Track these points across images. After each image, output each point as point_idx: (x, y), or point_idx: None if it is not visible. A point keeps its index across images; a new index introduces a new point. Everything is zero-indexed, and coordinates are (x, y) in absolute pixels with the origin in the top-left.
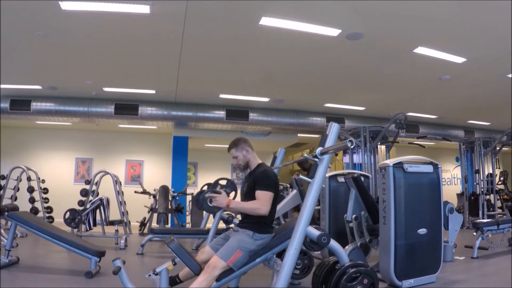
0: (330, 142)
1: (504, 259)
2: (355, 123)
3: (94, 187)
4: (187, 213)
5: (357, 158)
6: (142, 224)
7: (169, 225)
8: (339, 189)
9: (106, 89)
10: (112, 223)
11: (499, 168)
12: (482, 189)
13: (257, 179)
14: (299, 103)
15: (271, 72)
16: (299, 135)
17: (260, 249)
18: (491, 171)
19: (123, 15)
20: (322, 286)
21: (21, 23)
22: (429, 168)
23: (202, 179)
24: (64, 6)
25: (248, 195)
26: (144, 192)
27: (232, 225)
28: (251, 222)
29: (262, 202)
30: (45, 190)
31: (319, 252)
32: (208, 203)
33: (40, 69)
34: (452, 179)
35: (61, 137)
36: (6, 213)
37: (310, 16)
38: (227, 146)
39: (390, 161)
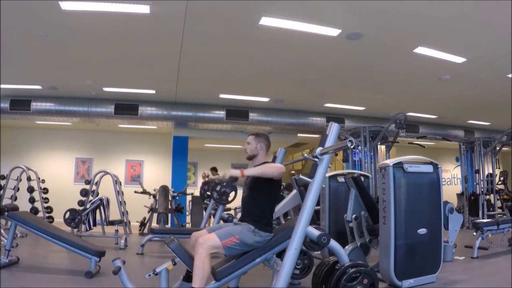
0: (330, 142)
1: (504, 259)
2: (355, 123)
3: (94, 187)
4: (187, 213)
5: (357, 158)
6: (142, 224)
7: (169, 225)
8: (339, 189)
9: (106, 89)
10: (112, 223)
11: (499, 168)
12: (482, 189)
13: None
14: (299, 103)
15: (271, 72)
16: (299, 135)
17: (260, 249)
18: (491, 171)
19: (123, 15)
20: (322, 286)
21: (21, 23)
22: (429, 168)
23: (201, 179)
24: (64, 6)
25: (254, 186)
26: (144, 192)
27: None
28: (252, 219)
29: (273, 164)
30: (45, 190)
31: (319, 252)
32: (225, 177)
33: (40, 69)
34: (452, 179)
35: (61, 137)
36: (6, 213)
37: (310, 16)
38: (227, 146)
39: (390, 161)
